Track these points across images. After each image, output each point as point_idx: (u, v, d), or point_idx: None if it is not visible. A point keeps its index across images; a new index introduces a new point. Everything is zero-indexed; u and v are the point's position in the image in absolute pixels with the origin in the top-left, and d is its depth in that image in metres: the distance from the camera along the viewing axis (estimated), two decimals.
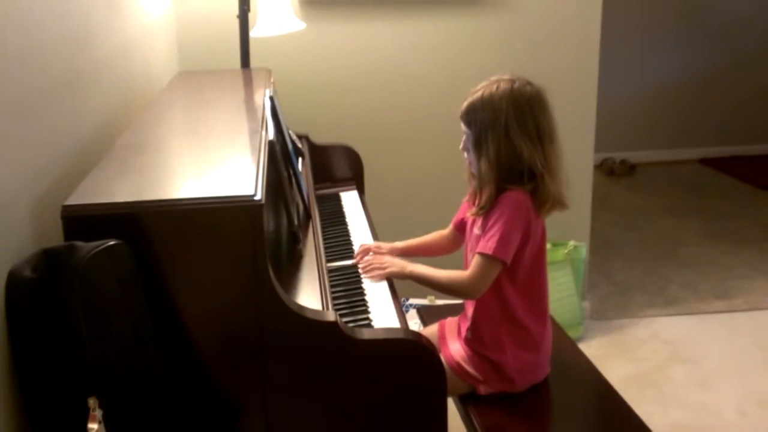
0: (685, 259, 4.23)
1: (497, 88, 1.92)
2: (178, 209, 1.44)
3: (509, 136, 1.89)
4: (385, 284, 1.97)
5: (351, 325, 1.63)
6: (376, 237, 2.29)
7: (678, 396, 2.97)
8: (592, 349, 3.26)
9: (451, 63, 3.22)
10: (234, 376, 1.52)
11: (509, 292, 1.96)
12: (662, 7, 5.81)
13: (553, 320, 2.14)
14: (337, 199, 2.60)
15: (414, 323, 2.60)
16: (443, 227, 2.25)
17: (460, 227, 2.15)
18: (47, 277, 1.30)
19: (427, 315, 2.50)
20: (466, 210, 2.07)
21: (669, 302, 3.73)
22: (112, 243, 1.35)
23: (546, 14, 3.22)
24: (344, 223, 2.39)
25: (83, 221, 1.40)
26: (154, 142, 1.92)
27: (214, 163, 1.70)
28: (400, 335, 1.58)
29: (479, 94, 1.93)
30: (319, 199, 2.52)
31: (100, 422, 1.24)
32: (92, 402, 1.24)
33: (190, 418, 1.52)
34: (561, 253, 3.27)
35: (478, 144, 1.93)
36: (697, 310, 3.64)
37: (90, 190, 1.51)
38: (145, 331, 1.41)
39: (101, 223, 1.41)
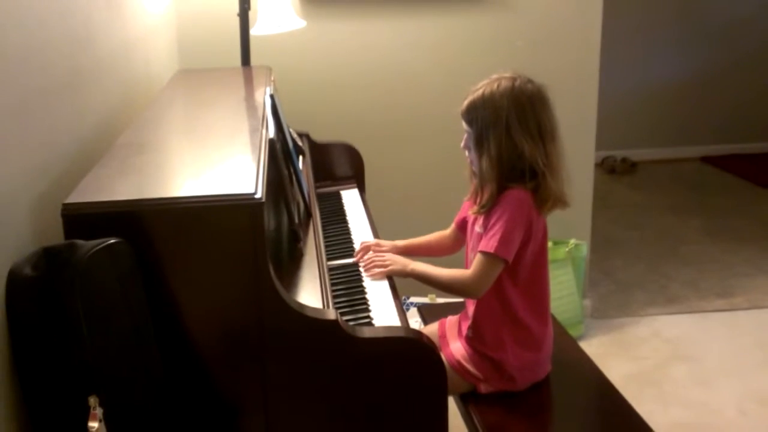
0: (686, 258, 4.23)
1: (498, 86, 1.91)
2: (179, 207, 1.44)
3: (510, 134, 1.89)
4: (385, 283, 1.97)
5: (352, 323, 1.63)
6: (376, 235, 2.29)
7: (679, 394, 2.97)
8: (593, 348, 3.26)
9: (451, 61, 3.22)
10: (234, 374, 1.52)
11: (510, 290, 1.96)
12: (663, 6, 5.80)
13: (553, 319, 2.14)
14: (337, 198, 2.60)
15: (415, 322, 2.60)
16: (444, 225, 2.25)
17: (462, 227, 2.14)
18: (47, 275, 1.30)
19: (428, 313, 2.50)
20: (468, 209, 2.07)
21: (670, 300, 3.73)
22: (112, 241, 1.35)
23: (547, 13, 3.22)
24: (345, 222, 2.38)
25: (83, 219, 1.40)
26: (154, 140, 1.91)
27: (215, 162, 1.70)
28: (401, 334, 1.58)
29: (480, 92, 1.93)
30: (320, 198, 2.52)
31: (100, 421, 1.24)
32: (92, 400, 1.24)
33: (190, 417, 1.52)
34: (562, 252, 3.27)
35: (479, 142, 1.93)
36: (697, 309, 3.64)
37: (90, 189, 1.51)
38: (145, 330, 1.41)
39: (101, 221, 1.41)
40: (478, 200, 1.98)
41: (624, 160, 5.84)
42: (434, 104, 3.21)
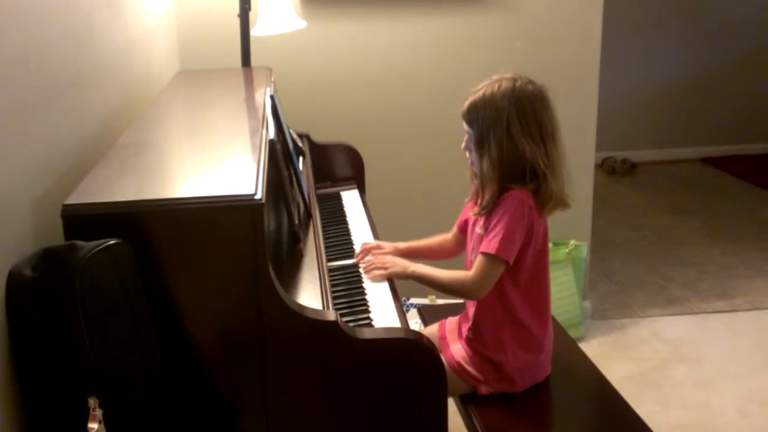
0: (686, 259, 4.23)
1: (499, 87, 1.91)
2: (179, 208, 1.44)
3: (511, 135, 1.88)
4: (385, 284, 1.96)
5: (351, 324, 1.62)
6: (376, 236, 2.29)
7: (678, 396, 2.97)
8: (593, 349, 3.26)
9: (452, 62, 3.22)
10: (234, 375, 1.52)
11: (511, 292, 1.96)
12: (663, 7, 5.80)
13: (553, 320, 2.14)
14: (337, 199, 2.60)
15: (415, 323, 2.59)
16: (444, 226, 2.25)
17: (464, 229, 2.14)
18: (47, 276, 1.30)
19: (428, 314, 2.50)
20: (469, 210, 2.06)
21: (670, 302, 3.73)
22: (112, 242, 1.35)
23: (547, 13, 3.22)
24: (345, 223, 2.38)
25: (84, 220, 1.40)
26: (154, 141, 1.91)
27: (215, 162, 1.70)
28: (401, 335, 1.58)
29: (481, 93, 1.93)
30: (320, 199, 2.52)
31: (100, 422, 1.24)
32: (92, 401, 1.24)
33: (190, 418, 1.52)
34: (562, 253, 3.27)
35: (480, 143, 1.93)
36: (697, 310, 3.64)
37: (90, 190, 1.51)
38: (145, 331, 1.41)
39: (102, 222, 1.41)
40: (478, 201, 1.98)
41: (624, 161, 5.84)
42: (434, 105, 3.21)
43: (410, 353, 1.55)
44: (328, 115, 3.15)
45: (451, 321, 2.20)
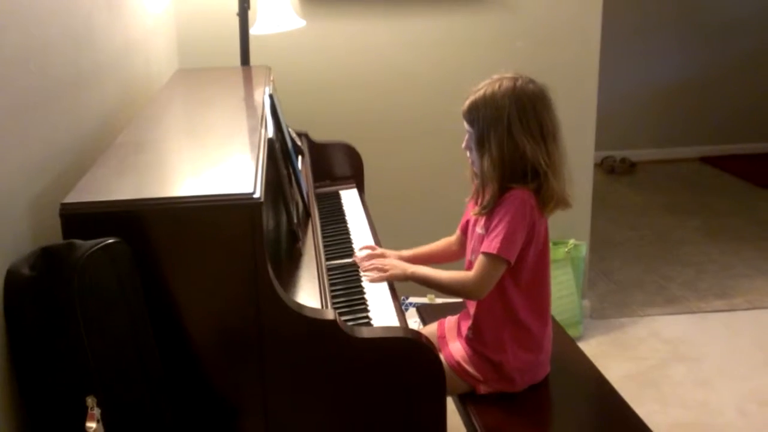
0: (685, 258, 4.23)
1: (500, 86, 1.91)
2: (177, 207, 1.44)
3: (512, 134, 1.88)
4: (384, 283, 1.96)
5: (350, 323, 1.62)
6: (376, 235, 2.28)
7: (678, 395, 2.97)
8: (592, 348, 3.26)
9: (452, 61, 3.22)
10: (233, 374, 1.52)
11: (512, 292, 1.96)
12: (663, 7, 5.80)
13: (552, 319, 2.14)
14: (336, 198, 2.60)
15: (414, 322, 2.59)
16: (443, 225, 2.24)
17: (466, 230, 2.13)
18: (46, 275, 1.29)
19: (427, 313, 2.50)
20: (471, 211, 2.06)
21: (669, 301, 3.73)
22: (110, 241, 1.35)
23: (547, 13, 3.22)
24: (344, 222, 2.38)
25: (82, 219, 1.40)
26: (153, 139, 1.91)
27: (213, 161, 1.70)
28: (399, 334, 1.58)
29: (482, 92, 1.93)
30: (319, 198, 2.52)
31: (98, 421, 1.23)
32: (90, 401, 1.24)
33: (189, 417, 1.51)
34: (561, 252, 3.27)
35: (480, 142, 1.92)
36: (696, 309, 3.64)
37: (89, 188, 1.50)
38: (143, 330, 1.40)
39: (100, 221, 1.40)
40: (479, 201, 1.98)
41: (623, 160, 5.84)
42: (433, 104, 3.21)
43: (409, 352, 1.55)
44: (327, 114, 3.15)
45: (450, 320, 2.20)
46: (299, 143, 2.54)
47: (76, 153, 1.74)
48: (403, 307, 2.00)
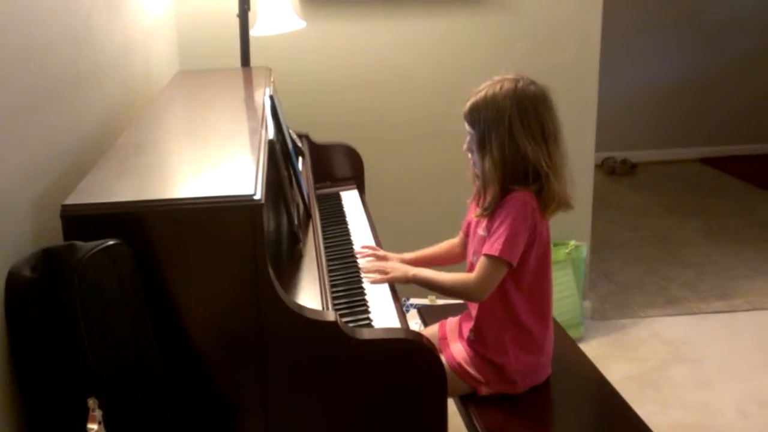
0: (686, 259, 4.23)
1: (501, 87, 1.91)
2: (178, 209, 1.44)
3: (513, 136, 1.88)
4: (385, 284, 1.96)
5: (351, 325, 1.62)
6: (376, 236, 2.28)
7: (678, 396, 2.97)
8: (593, 349, 3.26)
9: (452, 62, 3.22)
10: (234, 376, 1.52)
11: (514, 294, 1.95)
12: (663, 8, 5.80)
13: (553, 320, 2.13)
14: (337, 199, 2.60)
15: (415, 323, 2.59)
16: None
17: (469, 232, 2.13)
18: (47, 276, 1.29)
19: (428, 315, 2.49)
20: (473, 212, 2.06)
21: (669, 302, 3.73)
22: (111, 243, 1.35)
23: (547, 14, 3.22)
24: (345, 223, 2.38)
25: (83, 221, 1.40)
26: (153, 141, 1.91)
27: (214, 163, 1.70)
28: (400, 335, 1.57)
29: (483, 93, 1.93)
30: (320, 199, 2.52)
31: (99, 422, 1.23)
32: (92, 402, 1.24)
33: (189, 418, 1.51)
34: (562, 253, 3.27)
35: (481, 144, 1.92)
36: (697, 310, 3.64)
37: (89, 190, 1.50)
38: (144, 331, 1.40)
39: (101, 222, 1.40)
40: (480, 203, 1.98)
41: (624, 161, 5.84)
42: (434, 105, 3.21)
43: (410, 354, 1.55)
44: (327, 115, 3.15)
45: (452, 321, 2.19)
46: (300, 144, 2.54)
47: (76, 154, 1.74)
48: (404, 309, 2.00)
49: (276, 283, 1.47)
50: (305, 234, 2.04)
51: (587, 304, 3.53)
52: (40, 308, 1.29)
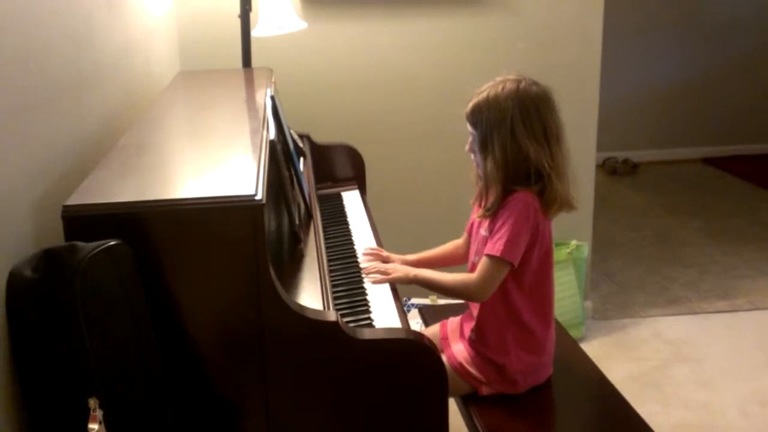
0: (687, 259, 4.23)
1: (503, 88, 1.90)
2: (179, 209, 1.44)
3: (515, 136, 1.88)
4: (386, 284, 1.96)
5: (352, 325, 1.62)
6: (378, 236, 2.28)
7: (680, 396, 2.96)
8: (594, 349, 3.25)
9: (453, 62, 3.22)
10: (234, 376, 1.52)
11: (516, 294, 1.95)
12: (664, 8, 5.80)
13: (555, 321, 2.13)
14: (338, 199, 2.60)
15: (416, 323, 2.59)
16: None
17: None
18: (48, 277, 1.30)
19: (429, 315, 2.49)
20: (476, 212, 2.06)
21: (671, 302, 3.73)
22: (112, 243, 1.35)
23: (548, 14, 3.22)
24: (346, 223, 2.38)
25: (84, 221, 1.40)
26: (155, 142, 1.91)
27: (215, 163, 1.70)
28: (401, 335, 1.58)
29: (485, 94, 1.92)
30: (321, 199, 2.52)
31: (100, 422, 1.23)
32: (92, 402, 1.24)
33: (190, 418, 1.51)
34: (563, 253, 3.27)
35: (483, 144, 1.92)
36: (699, 310, 3.64)
37: (91, 190, 1.51)
38: (145, 331, 1.41)
39: (102, 223, 1.41)
40: (483, 203, 1.98)
41: (625, 161, 5.84)
42: (435, 105, 3.21)
43: (411, 354, 1.55)
44: (328, 115, 3.15)
45: (453, 321, 2.19)
46: (301, 145, 2.54)
47: (77, 155, 1.74)
48: (405, 309, 2.00)
49: (277, 283, 1.47)
50: (306, 234, 2.04)
51: (588, 303, 3.53)
52: (41, 309, 1.29)
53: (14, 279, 1.31)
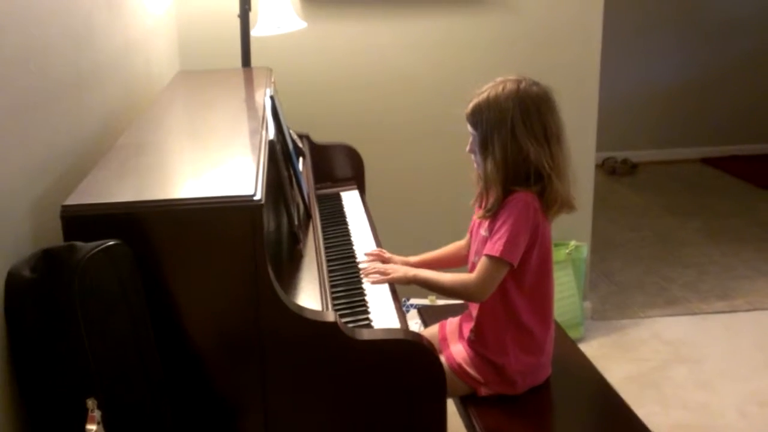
0: (686, 259, 4.23)
1: (503, 88, 1.90)
2: (178, 209, 1.44)
3: (515, 137, 1.88)
4: (385, 285, 1.96)
5: (351, 325, 1.62)
6: (377, 237, 2.28)
7: (679, 396, 2.97)
8: (593, 350, 3.26)
9: (453, 62, 3.22)
10: (233, 376, 1.52)
11: (515, 295, 1.95)
12: (663, 8, 5.80)
13: (554, 321, 2.13)
14: (337, 199, 2.60)
15: (415, 323, 2.59)
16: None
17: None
18: (46, 277, 1.29)
19: (428, 315, 2.49)
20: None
21: (670, 302, 3.73)
22: (111, 243, 1.35)
23: (547, 14, 3.22)
24: (345, 223, 2.38)
25: (83, 221, 1.40)
26: (154, 141, 1.91)
27: (214, 163, 1.70)
28: (400, 336, 1.58)
29: (485, 94, 1.92)
30: (320, 199, 2.52)
31: (98, 423, 1.23)
32: (91, 403, 1.24)
33: (189, 419, 1.51)
34: (562, 253, 3.27)
35: (484, 145, 1.92)
36: (697, 311, 3.64)
37: (90, 190, 1.51)
38: (144, 332, 1.40)
39: (101, 223, 1.40)
40: (483, 204, 1.98)
41: (624, 161, 5.84)
42: (434, 105, 3.21)
43: (409, 354, 1.55)
44: (328, 115, 3.15)
45: (452, 322, 2.19)
46: (300, 145, 2.54)
47: (77, 155, 1.74)
48: (404, 309, 2.00)
49: (276, 284, 1.47)
50: (305, 234, 2.04)
51: (587, 304, 3.53)
52: (40, 309, 1.29)
53: (13, 279, 1.31)
